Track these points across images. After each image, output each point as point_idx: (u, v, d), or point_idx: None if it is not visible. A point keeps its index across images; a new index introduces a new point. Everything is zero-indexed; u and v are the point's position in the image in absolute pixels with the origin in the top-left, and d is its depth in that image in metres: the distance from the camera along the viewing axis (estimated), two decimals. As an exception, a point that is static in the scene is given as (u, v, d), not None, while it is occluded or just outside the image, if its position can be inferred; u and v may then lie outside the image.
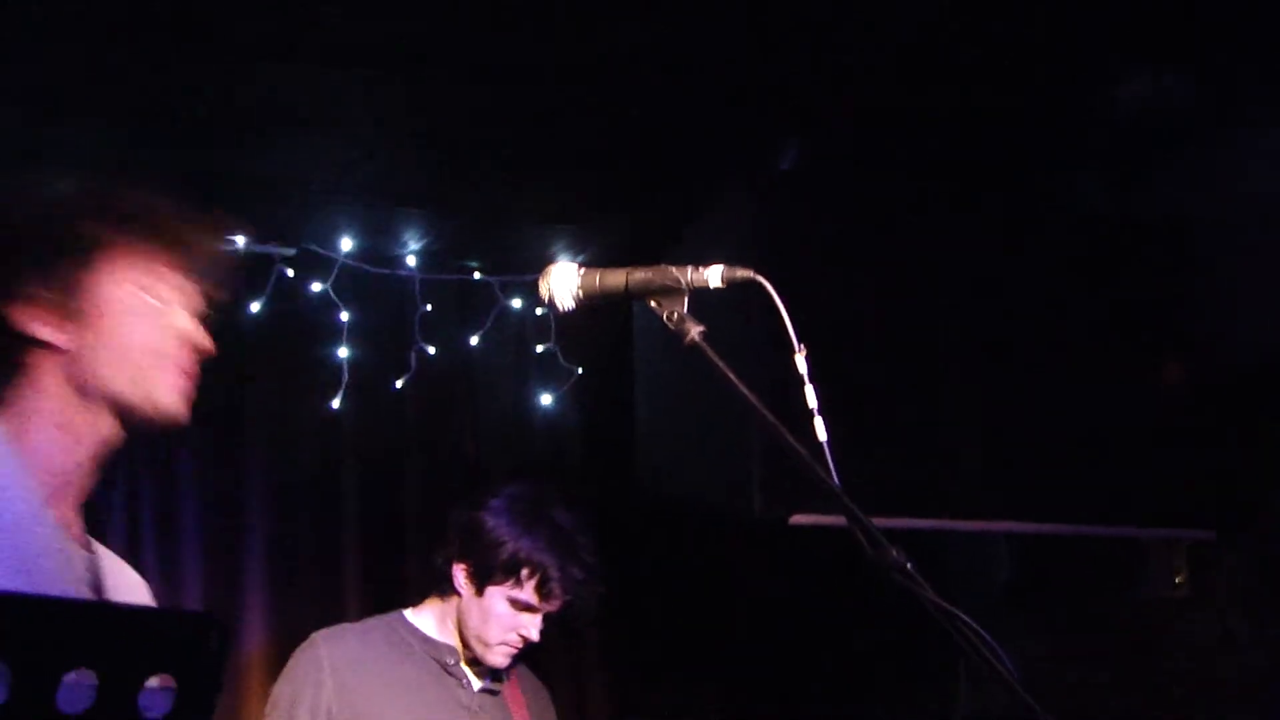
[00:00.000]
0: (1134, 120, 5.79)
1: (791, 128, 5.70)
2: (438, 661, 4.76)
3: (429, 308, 6.72)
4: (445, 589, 4.83)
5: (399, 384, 6.65)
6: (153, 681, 1.51)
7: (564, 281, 2.75)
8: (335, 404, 6.47)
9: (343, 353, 6.49)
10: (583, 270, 2.75)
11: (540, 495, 4.89)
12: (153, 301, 2.67)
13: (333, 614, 6.11)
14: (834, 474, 2.39)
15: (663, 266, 2.65)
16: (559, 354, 6.87)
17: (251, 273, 6.51)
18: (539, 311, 6.85)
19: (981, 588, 6.97)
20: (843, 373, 5.21)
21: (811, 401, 2.49)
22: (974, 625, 2.23)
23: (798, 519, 5.07)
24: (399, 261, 6.75)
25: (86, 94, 5.55)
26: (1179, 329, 5.80)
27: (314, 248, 6.52)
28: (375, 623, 4.91)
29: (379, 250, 6.68)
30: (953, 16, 5.26)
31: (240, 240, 6.53)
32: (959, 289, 5.55)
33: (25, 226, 2.61)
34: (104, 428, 2.65)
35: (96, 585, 2.66)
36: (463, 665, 4.81)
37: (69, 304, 2.58)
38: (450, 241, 6.77)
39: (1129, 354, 5.71)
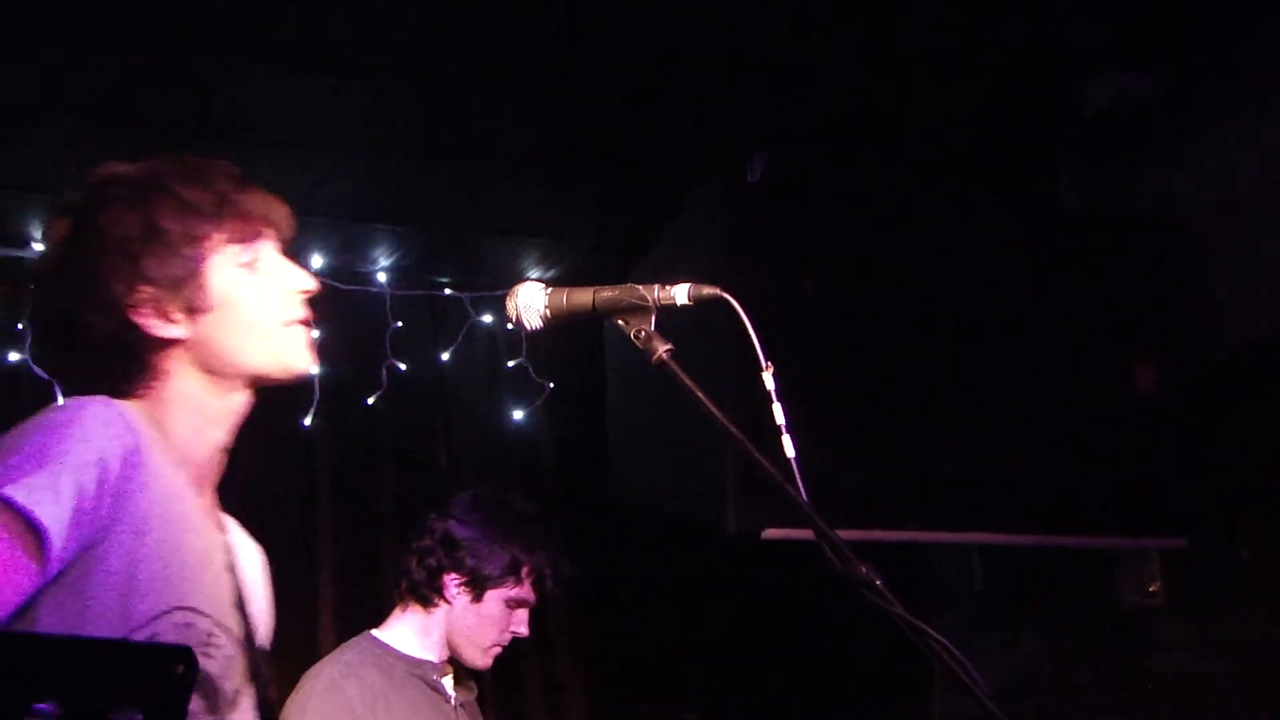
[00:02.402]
0: (1105, 120, 5.82)
1: (759, 139, 5.70)
2: (423, 680, 4.75)
3: (400, 324, 6.72)
4: (430, 601, 4.81)
5: (371, 400, 6.64)
6: (119, 714, 1.51)
7: (531, 301, 2.75)
8: (307, 421, 6.46)
9: (314, 369, 6.45)
10: (549, 289, 2.75)
11: (502, 494, 4.96)
12: (254, 273, 2.77)
13: (308, 631, 6.09)
14: (802, 490, 2.39)
15: (629, 285, 2.64)
16: (530, 369, 6.87)
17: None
18: (510, 326, 6.84)
19: (957, 599, 6.98)
20: (816, 385, 5.22)
21: (779, 418, 2.49)
22: (942, 640, 2.23)
23: (771, 533, 5.07)
24: (369, 278, 6.74)
25: (50, 109, 5.54)
26: (1150, 335, 5.81)
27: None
28: (357, 650, 4.80)
29: (349, 267, 6.67)
30: (920, 19, 5.28)
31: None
32: (930, 299, 5.56)
33: (141, 231, 2.68)
34: (237, 404, 2.77)
35: (231, 566, 2.76)
36: (440, 679, 4.80)
37: (187, 298, 2.68)
38: (420, 257, 6.77)
39: (1100, 362, 5.72)
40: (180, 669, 1.42)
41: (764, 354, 2.52)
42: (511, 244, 6.70)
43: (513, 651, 5.00)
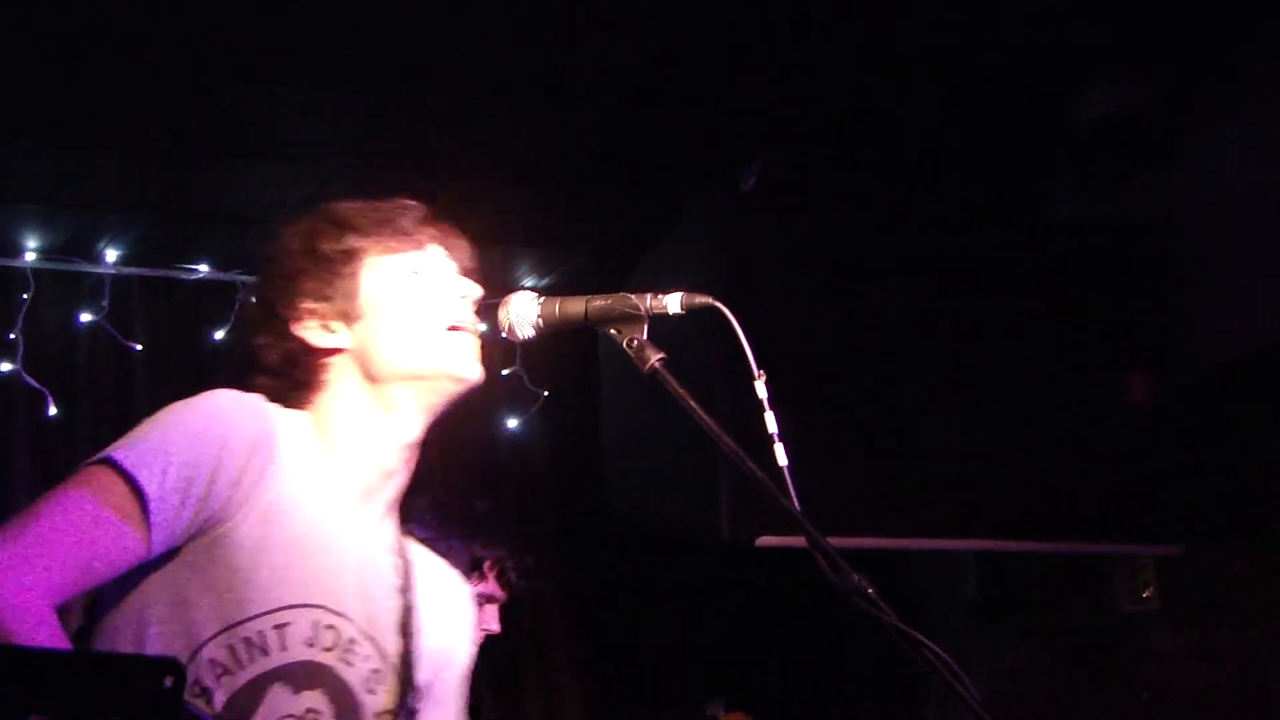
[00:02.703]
0: (1097, 130, 5.82)
1: (754, 148, 5.70)
2: None
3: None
4: None
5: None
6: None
7: (523, 311, 2.73)
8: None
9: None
10: (541, 299, 2.74)
11: (459, 495, 5.00)
12: (413, 280, 2.81)
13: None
14: (795, 499, 2.38)
15: (622, 294, 2.63)
16: (525, 377, 6.86)
17: (215, 300, 6.50)
18: (503, 336, 6.83)
19: (952, 604, 6.98)
20: (811, 393, 5.22)
21: (771, 427, 2.48)
22: (936, 649, 2.22)
23: (765, 541, 5.07)
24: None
25: (50, 122, 5.55)
26: (1144, 343, 5.82)
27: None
28: None
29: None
30: (917, 24, 5.28)
31: (203, 268, 6.53)
32: (926, 307, 5.57)
33: (300, 254, 2.78)
34: (404, 424, 2.77)
35: (404, 590, 2.77)
36: None
37: (345, 308, 2.75)
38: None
39: (1094, 369, 5.72)
40: (169, 681, 1.41)
41: (756, 362, 2.51)
42: (506, 253, 6.69)
43: (510, 656, 5.01)
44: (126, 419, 6.27)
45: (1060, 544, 5.77)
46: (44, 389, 6.21)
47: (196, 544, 2.47)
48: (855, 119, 5.72)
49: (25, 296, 6.22)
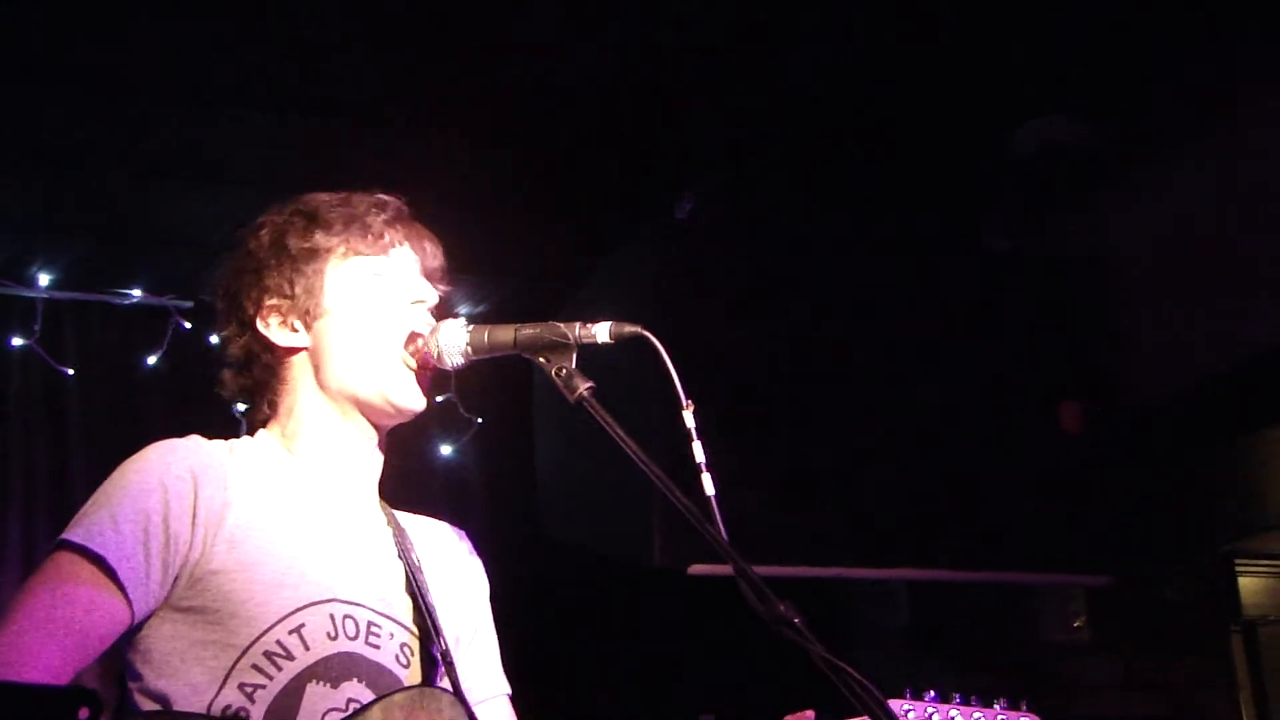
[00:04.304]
0: (1033, 163, 5.85)
1: (688, 178, 5.71)
2: None
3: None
4: None
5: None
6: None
7: (451, 339, 2.73)
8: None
9: (241, 406, 6.41)
10: (470, 327, 2.74)
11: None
12: (374, 281, 2.84)
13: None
14: (721, 528, 2.39)
15: (551, 323, 2.63)
16: (459, 404, 6.84)
17: (148, 325, 6.46)
18: (432, 361, 6.81)
19: (885, 633, 6.99)
20: (744, 422, 5.23)
21: (699, 456, 2.48)
22: (860, 677, 2.23)
23: (696, 569, 5.07)
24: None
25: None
26: (1077, 374, 5.84)
27: (211, 300, 6.47)
28: None
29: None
30: (853, 60, 5.31)
31: (137, 292, 6.49)
32: (859, 338, 5.59)
33: (269, 249, 2.83)
34: (364, 431, 2.84)
35: (402, 554, 2.84)
36: None
37: (307, 305, 2.80)
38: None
39: (1028, 400, 5.75)
40: (84, 713, 1.40)
41: (684, 392, 2.52)
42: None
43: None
44: (58, 443, 6.25)
45: (992, 573, 5.79)
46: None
47: (181, 592, 2.51)
48: (791, 149, 5.73)
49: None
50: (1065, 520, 5.67)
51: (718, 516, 2.42)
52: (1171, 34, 5.18)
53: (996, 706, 3.77)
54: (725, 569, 2.38)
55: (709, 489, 2.46)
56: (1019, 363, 5.76)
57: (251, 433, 2.86)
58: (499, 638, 2.91)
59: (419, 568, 2.84)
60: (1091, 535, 5.71)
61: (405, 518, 2.96)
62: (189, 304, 6.46)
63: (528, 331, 2.68)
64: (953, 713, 3.00)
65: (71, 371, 6.40)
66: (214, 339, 2.95)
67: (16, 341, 6.33)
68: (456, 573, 2.97)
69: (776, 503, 5.26)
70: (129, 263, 6.48)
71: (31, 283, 6.37)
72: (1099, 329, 5.90)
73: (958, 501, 5.55)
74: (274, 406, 2.83)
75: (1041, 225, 6.18)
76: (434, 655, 2.78)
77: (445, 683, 2.75)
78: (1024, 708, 4.00)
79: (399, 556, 2.83)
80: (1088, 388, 5.84)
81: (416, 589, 2.79)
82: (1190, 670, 5.88)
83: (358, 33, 5.04)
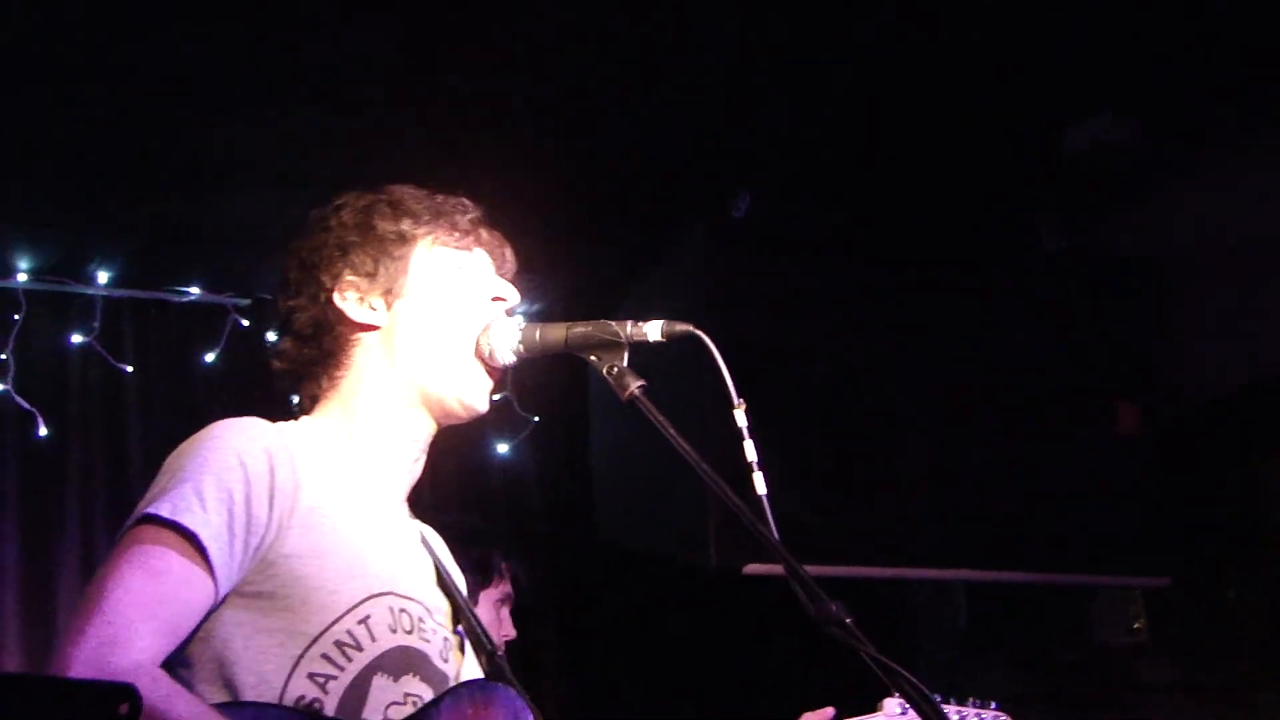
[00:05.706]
0: (1090, 164, 5.81)
1: (741, 181, 5.70)
2: None
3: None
4: None
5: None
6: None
7: (503, 336, 2.74)
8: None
9: (294, 398, 6.43)
10: (523, 325, 2.74)
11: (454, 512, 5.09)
12: (457, 274, 2.87)
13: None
14: (773, 527, 2.37)
15: (602, 321, 2.63)
16: (514, 402, 6.84)
17: (206, 322, 6.49)
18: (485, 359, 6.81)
19: (942, 634, 6.95)
20: (800, 423, 5.22)
21: (750, 455, 2.47)
22: (913, 679, 2.21)
23: (752, 569, 5.06)
24: (355, 311, 6.72)
25: (43, 144, 5.55)
26: (1134, 375, 5.81)
27: (269, 297, 6.50)
28: None
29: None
30: (904, 62, 5.29)
31: (195, 290, 6.52)
32: (914, 339, 5.56)
33: (355, 228, 2.85)
34: (422, 423, 2.83)
35: (429, 551, 2.88)
36: None
37: (389, 286, 2.81)
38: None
39: (1085, 400, 5.72)
40: (124, 708, 1.40)
41: (736, 390, 2.50)
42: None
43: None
44: (116, 440, 6.27)
45: (1050, 575, 5.75)
46: (34, 410, 6.19)
47: (253, 574, 2.48)
48: (841, 155, 5.71)
49: (16, 317, 6.20)
50: (1124, 521, 5.64)
51: (769, 515, 2.41)
52: (1229, 31, 5.13)
53: (969, 703, 3.77)
54: (780, 569, 2.37)
55: (761, 489, 2.45)
56: (1076, 363, 5.73)
57: (306, 411, 2.85)
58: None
59: (443, 566, 2.87)
60: (1150, 536, 5.67)
61: (417, 523, 2.96)
62: (246, 301, 6.50)
63: (579, 330, 2.67)
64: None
65: (130, 369, 6.43)
66: (278, 307, 2.90)
67: (76, 339, 6.37)
68: (458, 574, 2.98)
69: (831, 503, 5.25)
70: (187, 260, 6.51)
71: (90, 280, 6.41)
72: (1157, 328, 5.86)
73: (1016, 503, 5.53)
74: (335, 382, 2.82)
75: (1098, 224, 6.15)
76: (474, 652, 2.84)
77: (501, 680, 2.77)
78: (993, 707, 4.00)
79: (428, 556, 2.85)
80: (1145, 388, 5.80)
81: (445, 585, 2.83)
82: (1250, 672, 5.83)
83: (417, 36, 5.05)
